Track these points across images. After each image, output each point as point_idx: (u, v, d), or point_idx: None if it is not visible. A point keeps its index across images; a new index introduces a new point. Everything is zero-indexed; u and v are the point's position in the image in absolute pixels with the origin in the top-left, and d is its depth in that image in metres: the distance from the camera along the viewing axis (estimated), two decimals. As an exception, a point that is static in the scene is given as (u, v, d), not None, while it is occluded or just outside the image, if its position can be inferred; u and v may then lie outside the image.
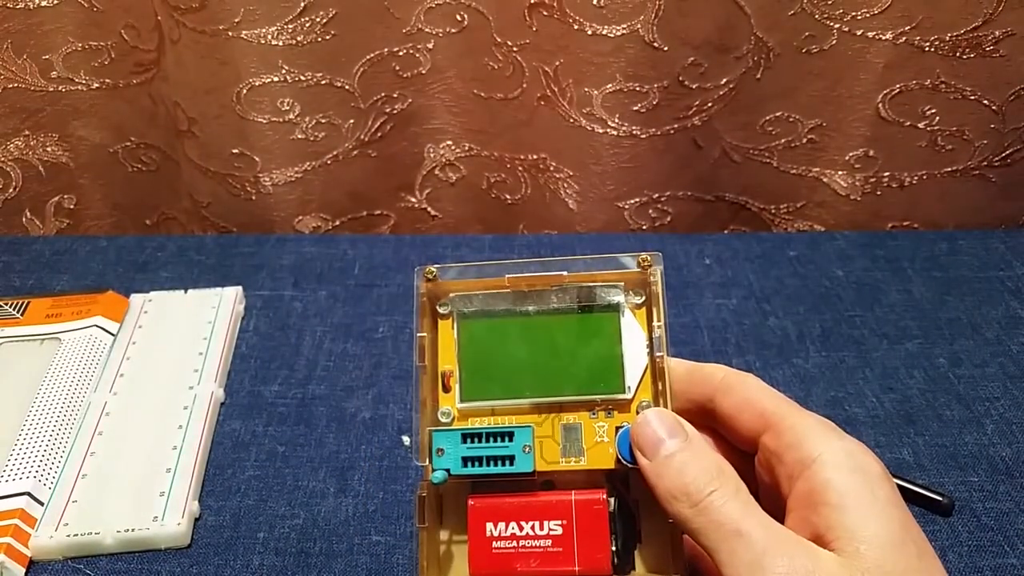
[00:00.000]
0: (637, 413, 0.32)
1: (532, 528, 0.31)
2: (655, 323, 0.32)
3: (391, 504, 0.40)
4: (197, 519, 0.39)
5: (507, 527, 0.32)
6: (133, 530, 0.38)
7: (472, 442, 0.31)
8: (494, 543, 0.31)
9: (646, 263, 0.32)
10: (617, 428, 0.32)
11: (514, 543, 0.31)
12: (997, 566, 0.37)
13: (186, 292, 0.52)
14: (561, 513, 0.32)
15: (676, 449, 0.29)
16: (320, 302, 0.53)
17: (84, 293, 0.51)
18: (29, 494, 0.39)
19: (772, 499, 0.29)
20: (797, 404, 0.31)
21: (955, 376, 0.47)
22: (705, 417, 0.33)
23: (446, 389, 0.33)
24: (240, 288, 0.52)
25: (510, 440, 0.32)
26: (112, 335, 0.48)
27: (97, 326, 0.48)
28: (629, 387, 0.32)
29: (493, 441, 0.32)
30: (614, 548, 0.31)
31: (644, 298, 0.32)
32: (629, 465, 0.31)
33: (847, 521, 0.26)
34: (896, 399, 0.45)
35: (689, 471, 0.28)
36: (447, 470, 0.31)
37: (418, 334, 0.32)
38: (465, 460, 0.31)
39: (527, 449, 0.31)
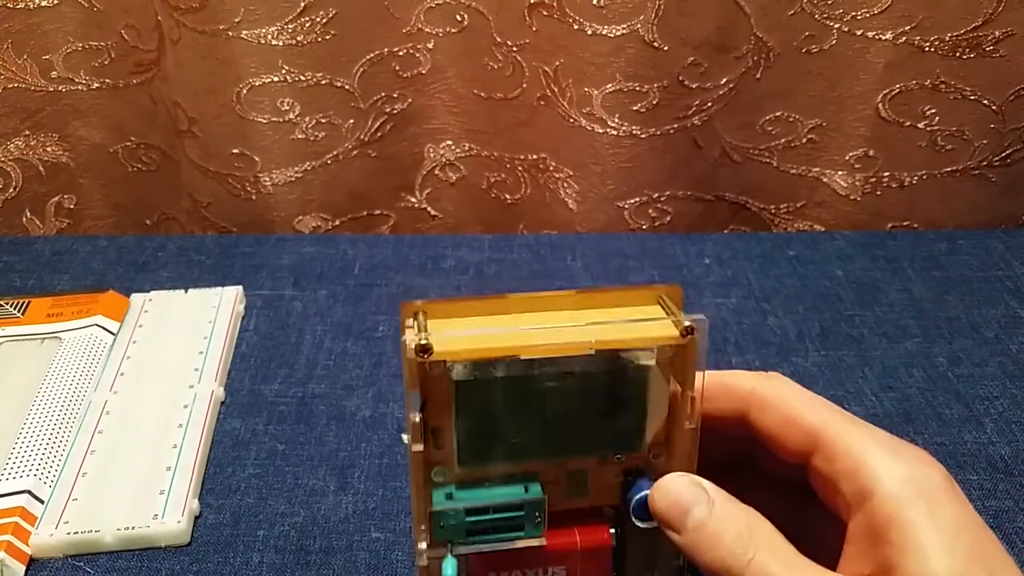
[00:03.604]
0: (649, 461, 0.29)
1: (536, 574, 0.30)
2: (688, 392, 0.28)
3: (391, 501, 0.40)
4: (197, 517, 0.39)
5: (510, 574, 0.30)
6: (133, 528, 0.38)
7: (477, 515, 0.28)
8: None
9: (689, 332, 0.27)
10: (626, 473, 0.30)
11: None
12: (997, 564, 0.37)
13: (186, 292, 0.52)
14: (565, 560, 0.30)
15: (703, 518, 0.27)
16: (320, 301, 0.53)
17: (85, 293, 0.51)
18: (30, 492, 0.39)
19: (827, 514, 0.28)
20: (841, 411, 0.29)
21: (954, 375, 0.47)
22: (742, 428, 0.30)
23: (438, 446, 0.28)
24: (240, 288, 0.52)
25: (519, 510, 0.29)
26: (113, 334, 0.48)
27: (98, 325, 0.48)
28: (647, 444, 0.30)
29: (500, 512, 0.29)
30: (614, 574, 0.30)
31: (674, 354, 0.28)
32: (643, 526, 0.29)
33: (907, 562, 0.25)
34: (895, 398, 0.45)
35: (722, 542, 0.27)
36: (451, 543, 0.28)
37: (411, 416, 0.27)
38: (469, 531, 0.29)
39: (538, 520, 0.29)
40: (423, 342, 0.26)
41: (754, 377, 0.30)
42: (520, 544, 0.29)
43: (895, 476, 0.26)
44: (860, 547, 0.26)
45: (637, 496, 0.29)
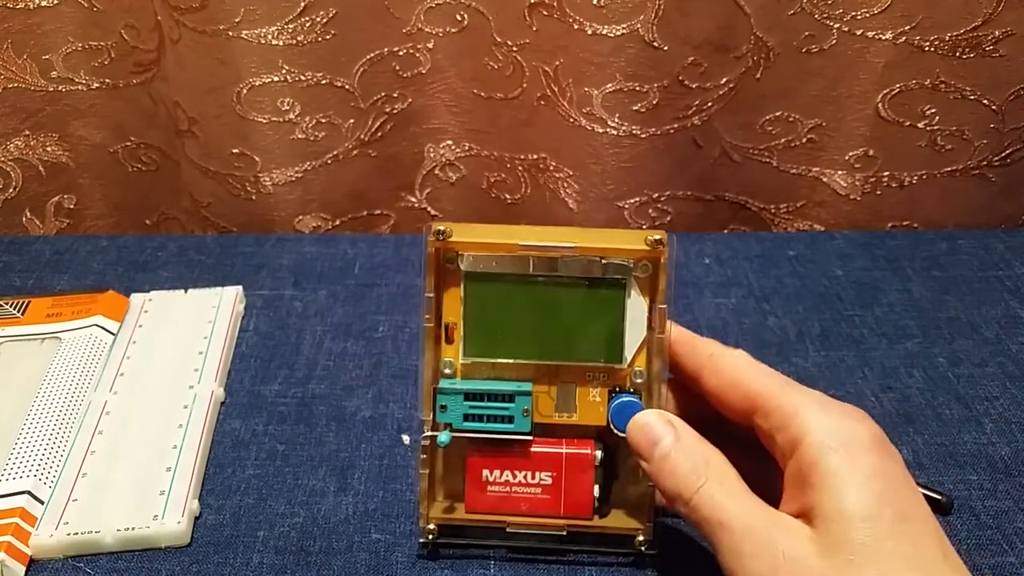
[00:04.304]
0: (630, 379, 0.34)
1: (524, 477, 0.34)
2: (659, 304, 0.33)
3: (391, 502, 0.40)
4: (197, 518, 0.39)
5: (501, 474, 0.34)
6: (133, 529, 0.38)
7: (474, 400, 0.33)
8: (489, 487, 0.34)
9: (657, 244, 0.33)
10: (610, 392, 0.34)
11: (508, 488, 0.34)
12: (996, 564, 0.37)
13: (186, 292, 0.52)
14: (552, 466, 0.34)
15: (667, 449, 0.31)
16: (320, 302, 0.53)
17: (84, 293, 0.51)
18: (29, 493, 0.39)
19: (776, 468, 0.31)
20: (784, 378, 0.32)
21: (954, 375, 0.47)
22: (698, 388, 0.34)
23: (449, 340, 0.34)
24: (240, 288, 0.52)
25: (510, 401, 0.33)
26: (112, 334, 0.48)
27: (97, 325, 0.48)
28: (626, 358, 0.34)
29: (494, 401, 0.34)
30: (596, 495, 0.34)
31: (650, 273, 0.33)
32: (620, 433, 0.33)
33: (823, 502, 0.28)
34: (895, 398, 0.45)
35: (679, 470, 0.30)
36: (450, 425, 0.33)
37: (425, 293, 0.33)
38: (467, 417, 0.34)
39: (526, 412, 0.34)
40: (442, 228, 0.33)
41: (717, 346, 0.34)
42: (510, 436, 0.34)
43: (820, 427, 0.29)
44: (791, 491, 0.29)
45: (617, 404, 0.33)
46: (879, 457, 0.28)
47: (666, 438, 0.31)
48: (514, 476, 0.34)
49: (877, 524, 0.27)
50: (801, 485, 0.28)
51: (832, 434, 0.29)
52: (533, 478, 0.34)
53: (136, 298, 0.51)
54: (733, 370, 0.32)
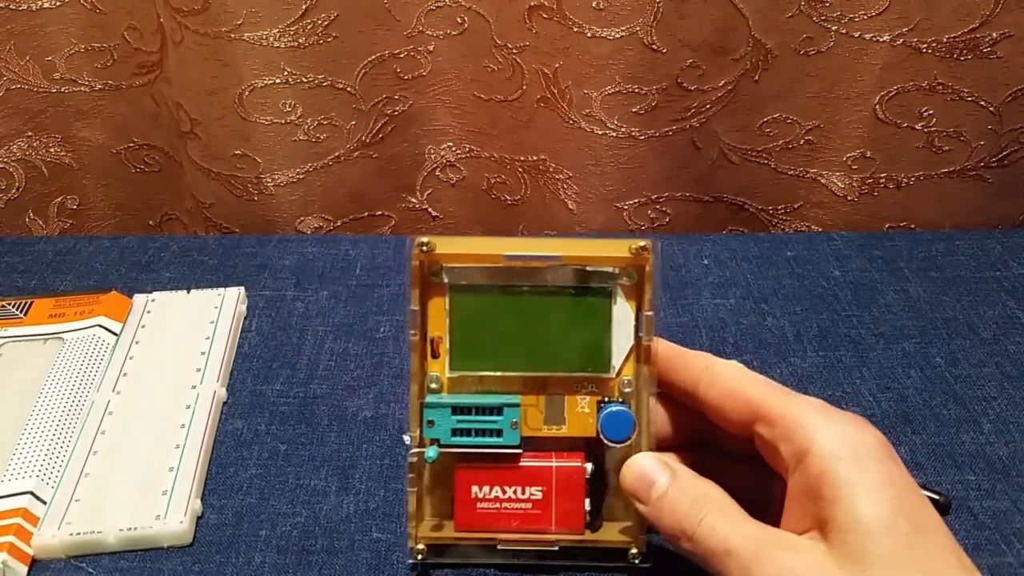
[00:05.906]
0: (618, 388, 0.34)
1: (514, 492, 0.34)
2: (645, 312, 0.33)
3: (392, 502, 0.40)
4: (199, 517, 0.40)
5: (491, 490, 0.34)
6: (136, 528, 0.38)
7: (462, 415, 0.33)
8: (478, 504, 0.34)
9: (641, 251, 0.33)
10: (598, 402, 0.34)
11: (497, 505, 0.34)
12: (994, 565, 0.37)
13: (189, 292, 0.52)
14: (542, 480, 0.34)
15: (664, 489, 0.31)
16: (322, 302, 0.53)
17: (87, 293, 0.51)
18: (32, 493, 0.39)
19: (775, 480, 0.31)
20: (783, 387, 0.31)
21: (952, 376, 0.47)
22: (694, 401, 0.34)
23: (435, 355, 0.34)
24: (242, 288, 0.52)
25: (499, 414, 0.33)
26: (115, 335, 0.49)
27: (100, 326, 0.49)
28: (614, 367, 0.34)
29: (482, 415, 0.33)
30: (588, 508, 0.34)
31: (635, 280, 0.33)
32: (610, 443, 0.33)
33: (837, 513, 0.27)
34: (893, 398, 0.45)
35: (678, 508, 0.30)
36: (437, 440, 0.33)
37: (411, 307, 0.33)
38: (454, 431, 0.33)
39: (514, 425, 0.33)
40: (426, 240, 0.33)
41: (710, 358, 0.33)
42: (498, 450, 0.33)
43: (827, 436, 0.29)
44: (799, 503, 0.29)
45: (606, 414, 0.33)
46: (886, 465, 0.28)
47: (662, 478, 0.31)
48: (504, 492, 0.33)
49: (894, 535, 0.26)
50: (811, 497, 0.28)
51: (839, 443, 0.28)
52: (523, 493, 0.33)
53: (139, 298, 0.52)
54: (731, 379, 0.32)
